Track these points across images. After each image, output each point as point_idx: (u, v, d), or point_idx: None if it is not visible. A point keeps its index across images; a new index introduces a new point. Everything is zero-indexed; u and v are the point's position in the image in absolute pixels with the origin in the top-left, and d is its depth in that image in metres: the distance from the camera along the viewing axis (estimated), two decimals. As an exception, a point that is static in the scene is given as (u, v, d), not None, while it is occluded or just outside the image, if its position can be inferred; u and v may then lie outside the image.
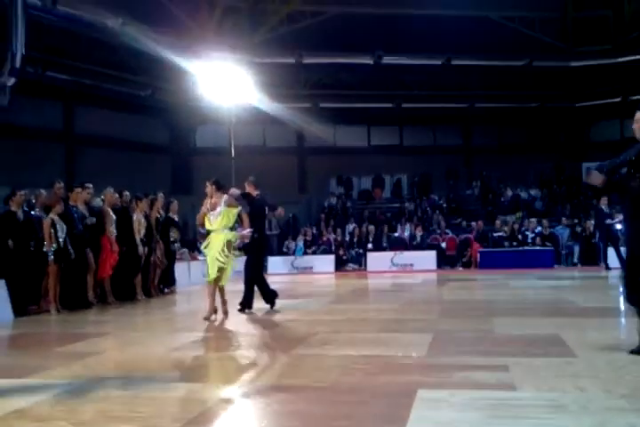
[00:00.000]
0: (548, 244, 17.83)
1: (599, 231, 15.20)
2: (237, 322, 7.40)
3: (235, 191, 7.83)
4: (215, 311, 7.47)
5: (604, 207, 14.88)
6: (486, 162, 24.24)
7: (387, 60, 20.89)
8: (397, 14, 20.55)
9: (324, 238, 19.86)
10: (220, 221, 7.45)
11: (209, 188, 7.66)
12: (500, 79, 23.21)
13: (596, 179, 4.77)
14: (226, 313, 7.64)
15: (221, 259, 7.33)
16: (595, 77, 22.38)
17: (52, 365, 4.97)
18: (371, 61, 20.98)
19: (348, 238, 20.01)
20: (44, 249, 8.74)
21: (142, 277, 10.62)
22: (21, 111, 18.05)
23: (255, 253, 8.30)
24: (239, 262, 8.03)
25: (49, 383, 4.32)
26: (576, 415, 3.20)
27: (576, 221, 19.11)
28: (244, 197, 8.11)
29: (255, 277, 8.15)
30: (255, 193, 8.18)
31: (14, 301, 8.46)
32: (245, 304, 8.07)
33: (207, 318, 7.34)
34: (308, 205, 24.18)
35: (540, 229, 18.40)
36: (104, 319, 8.37)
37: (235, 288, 8.42)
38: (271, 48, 20.38)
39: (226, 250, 7.39)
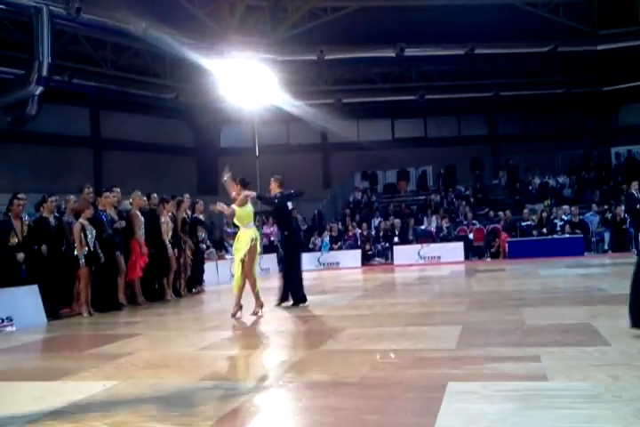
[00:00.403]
0: (578, 231, 17.57)
1: (630, 217, 14.93)
2: (266, 319, 7.43)
3: (251, 193, 7.86)
4: (240, 308, 7.55)
5: (634, 192, 14.59)
6: (513, 150, 23.96)
7: (409, 51, 20.72)
8: (418, 6, 20.35)
9: (350, 233, 19.84)
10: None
11: (235, 186, 7.76)
12: (524, 66, 22.92)
13: None
14: (257, 310, 7.69)
15: (242, 256, 7.48)
16: (622, 60, 21.96)
17: (85, 366, 5.04)
18: (393, 54, 20.84)
19: (374, 233, 19.96)
20: (75, 253, 8.90)
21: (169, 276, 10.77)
22: (49, 119, 18.40)
23: (288, 250, 8.40)
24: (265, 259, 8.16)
25: (83, 385, 4.39)
26: (610, 404, 3.15)
27: (606, 207, 18.79)
28: (260, 199, 8.30)
29: (289, 274, 8.31)
30: (277, 191, 8.21)
31: (47, 304, 8.63)
32: (281, 298, 8.36)
33: (233, 315, 7.45)
34: (333, 200, 24.18)
35: (569, 216, 18.14)
36: (135, 320, 8.48)
37: (271, 285, 8.57)
38: (293, 45, 20.39)
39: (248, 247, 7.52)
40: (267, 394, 3.95)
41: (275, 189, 8.28)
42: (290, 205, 8.41)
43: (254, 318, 7.52)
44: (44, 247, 8.81)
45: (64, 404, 3.84)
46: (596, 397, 3.30)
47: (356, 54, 21.33)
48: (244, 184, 7.78)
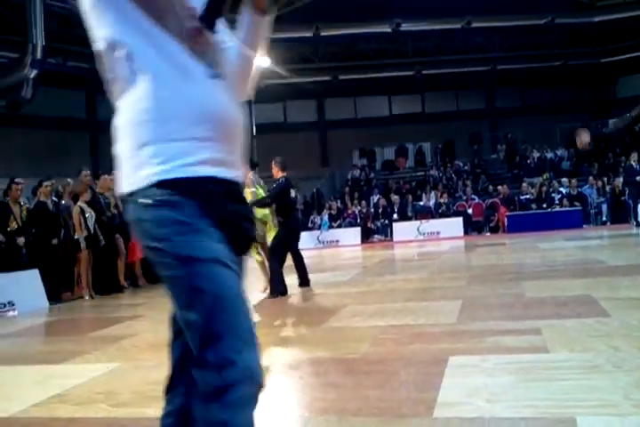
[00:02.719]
0: (577, 204, 17.57)
1: (629, 188, 14.93)
2: (264, 299, 7.45)
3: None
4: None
5: (633, 164, 14.59)
6: (511, 124, 23.89)
7: (405, 26, 20.56)
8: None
9: (349, 211, 19.84)
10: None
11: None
12: (521, 39, 22.72)
13: (585, 137, 4.68)
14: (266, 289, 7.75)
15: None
16: (620, 32, 21.77)
17: (88, 349, 5.07)
18: (389, 29, 20.67)
19: (373, 210, 19.95)
20: (76, 236, 8.91)
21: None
22: (45, 102, 18.28)
23: (280, 236, 7.80)
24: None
25: (86, 367, 4.42)
26: (611, 375, 3.17)
27: (605, 179, 18.78)
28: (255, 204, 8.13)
29: (273, 260, 7.63)
30: (280, 175, 7.90)
31: (48, 288, 8.66)
32: (303, 281, 8.08)
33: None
34: (331, 178, 24.16)
35: (567, 189, 18.13)
36: (136, 302, 8.50)
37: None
38: (287, 23, 20.18)
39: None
40: (268, 372, 3.97)
41: (277, 173, 7.92)
42: (292, 192, 7.94)
43: (255, 296, 7.54)
44: (54, 241, 8.87)
45: (68, 387, 3.86)
46: (597, 367, 3.31)
47: (351, 30, 21.15)
48: (253, 165, 7.80)
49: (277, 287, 7.46)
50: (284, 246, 7.69)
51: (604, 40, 22.65)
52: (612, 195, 17.53)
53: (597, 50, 22.85)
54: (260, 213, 7.59)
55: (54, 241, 9.05)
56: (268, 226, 7.80)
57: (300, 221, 8.13)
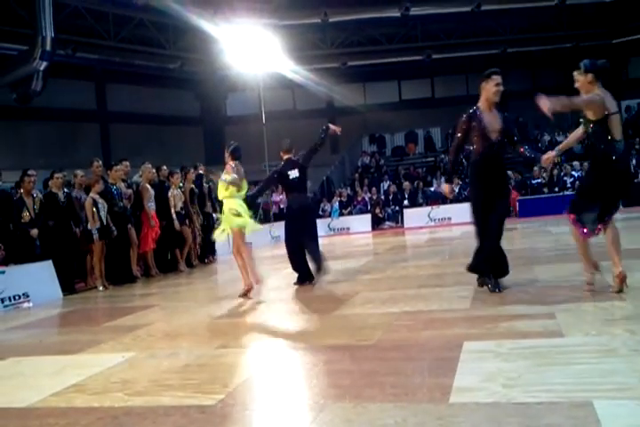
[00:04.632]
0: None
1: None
2: (278, 287, 7.46)
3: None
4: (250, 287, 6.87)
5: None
6: (522, 107, 23.55)
7: (414, 11, 20.33)
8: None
9: (360, 198, 19.79)
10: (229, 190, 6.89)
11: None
12: (532, 21, 22.36)
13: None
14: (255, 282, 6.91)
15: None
16: (631, 11, 21.37)
17: (103, 339, 5.11)
18: (398, 14, 20.46)
19: (383, 197, 19.89)
20: (89, 227, 8.95)
21: (183, 248, 10.82)
22: (55, 94, 18.31)
23: (289, 219, 7.72)
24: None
25: (102, 357, 4.46)
26: (626, 358, 3.15)
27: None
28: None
29: (289, 245, 7.47)
30: (285, 157, 7.80)
31: (62, 279, 8.72)
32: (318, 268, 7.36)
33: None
34: (341, 165, 24.05)
35: (579, 173, 17.97)
36: (150, 292, 8.56)
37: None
38: (297, 9, 20.06)
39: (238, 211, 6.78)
40: (283, 360, 3.99)
41: (282, 155, 7.82)
42: (291, 173, 7.79)
43: (268, 285, 7.53)
44: (50, 223, 8.86)
45: (84, 376, 3.90)
46: (613, 351, 3.29)
47: (360, 15, 20.95)
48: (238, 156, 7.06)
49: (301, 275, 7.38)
50: (290, 234, 7.49)
51: (616, 20, 22.29)
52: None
53: (609, 31, 22.50)
54: (233, 204, 6.80)
55: (76, 229, 9.07)
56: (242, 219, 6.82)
57: (302, 202, 7.58)
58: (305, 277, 7.36)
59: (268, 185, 8.40)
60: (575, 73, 4.93)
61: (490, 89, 5.53)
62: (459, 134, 5.60)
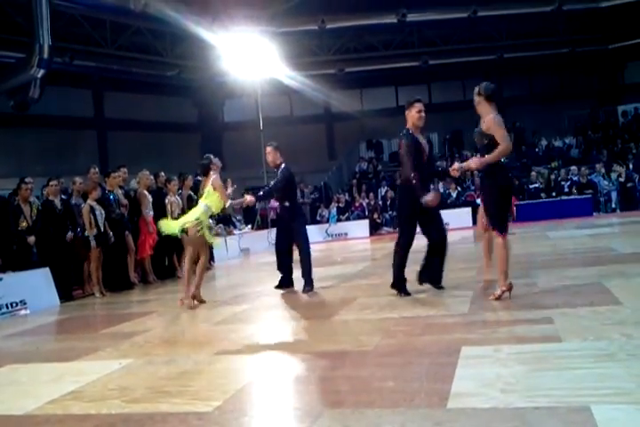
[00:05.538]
0: (587, 191, 17.45)
1: (639, 175, 14.81)
2: (276, 293, 7.43)
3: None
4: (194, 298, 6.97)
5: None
6: (519, 113, 23.68)
7: (411, 17, 20.42)
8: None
9: (357, 204, 19.80)
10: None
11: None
12: (528, 27, 22.47)
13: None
14: (194, 298, 6.96)
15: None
16: (627, 16, 21.46)
17: (101, 346, 5.09)
18: (395, 20, 20.54)
19: (381, 202, 19.90)
20: (86, 234, 8.94)
21: (181, 255, 10.79)
22: (52, 102, 18.32)
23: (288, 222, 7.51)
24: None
25: (99, 364, 4.44)
26: (624, 363, 3.15)
27: (614, 166, 18.63)
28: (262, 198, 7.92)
29: (275, 245, 7.47)
30: (279, 161, 7.44)
31: (59, 286, 8.70)
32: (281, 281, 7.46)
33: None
34: (338, 171, 24.07)
35: (577, 177, 18.01)
36: (147, 298, 8.54)
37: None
38: (294, 16, 20.11)
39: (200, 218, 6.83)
40: (281, 366, 3.98)
41: (276, 159, 7.68)
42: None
43: (266, 290, 7.52)
44: (69, 235, 8.92)
45: (81, 383, 3.89)
46: (610, 356, 3.29)
47: (357, 22, 21.04)
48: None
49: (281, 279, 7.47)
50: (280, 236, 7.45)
51: (612, 26, 22.37)
52: (620, 182, 17.37)
53: (605, 36, 22.59)
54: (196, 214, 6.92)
55: (69, 234, 9.04)
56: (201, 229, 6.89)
57: (289, 208, 7.49)
58: (283, 282, 7.40)
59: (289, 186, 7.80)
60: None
61: (414, 115, 6.08)
62: (410, 155, 5.89)
